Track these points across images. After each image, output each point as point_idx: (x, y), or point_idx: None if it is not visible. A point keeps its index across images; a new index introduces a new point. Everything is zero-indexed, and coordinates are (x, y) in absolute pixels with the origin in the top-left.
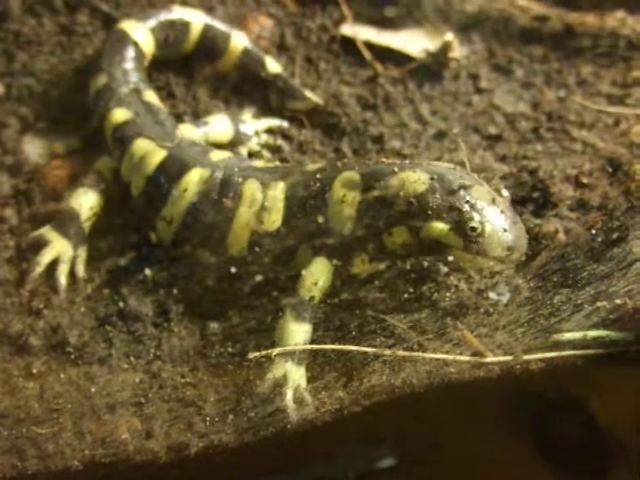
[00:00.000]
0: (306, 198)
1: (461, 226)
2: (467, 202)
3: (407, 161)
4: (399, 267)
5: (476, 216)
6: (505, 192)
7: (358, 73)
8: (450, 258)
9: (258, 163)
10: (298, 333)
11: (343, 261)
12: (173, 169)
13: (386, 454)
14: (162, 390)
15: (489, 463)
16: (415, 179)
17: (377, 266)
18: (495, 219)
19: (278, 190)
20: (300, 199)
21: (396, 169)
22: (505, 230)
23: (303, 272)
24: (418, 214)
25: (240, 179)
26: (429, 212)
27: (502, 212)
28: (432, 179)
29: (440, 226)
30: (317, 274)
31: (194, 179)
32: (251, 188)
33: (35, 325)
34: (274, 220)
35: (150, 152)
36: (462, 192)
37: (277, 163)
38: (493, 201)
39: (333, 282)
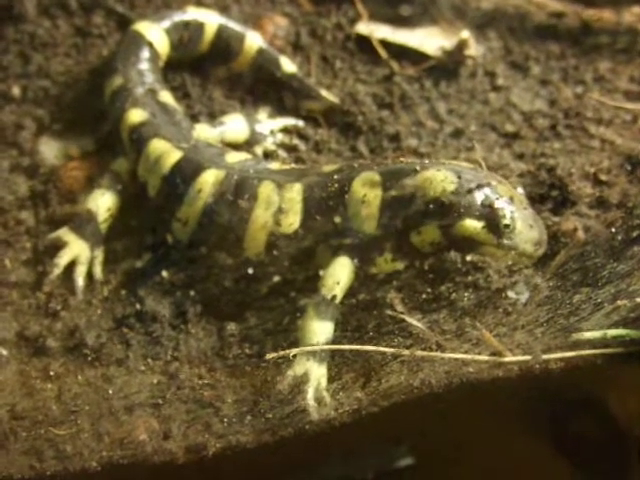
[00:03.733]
0: (324, 199)
1: (495, 223)
2: (497, 200)
3: (426, 160)
4: (417, 267)
5: (508, 213)
6: (520, 189)
7: (374, 72)
8: (475, 255)
9: (274, 165)
10: (320, 332)
11: (364, 260)
12: (188, 170)
13: (405, 454)
14: (180, 391)
15: (508, 462)
16: (442, 178)
17: (397, 265)
18: (523, 216)
19: (295, 192)
20: (318, 200)
21: (418, 168)
22: (531, 226)
23: (324, 272)
24: (449, 213)
25: (256, 181)
26: (461, 210)
27: (525, 209)
28: (459, 177)
29: (473, 224)
30: (339, 273)
31: (209, 180)
32: (267, 190)
33: (53, 327)
34: (292, 222)
35: (166, 152)
36: (489, 190)
37: (293, 165)
38: (516, 199)
39: (352, 282)
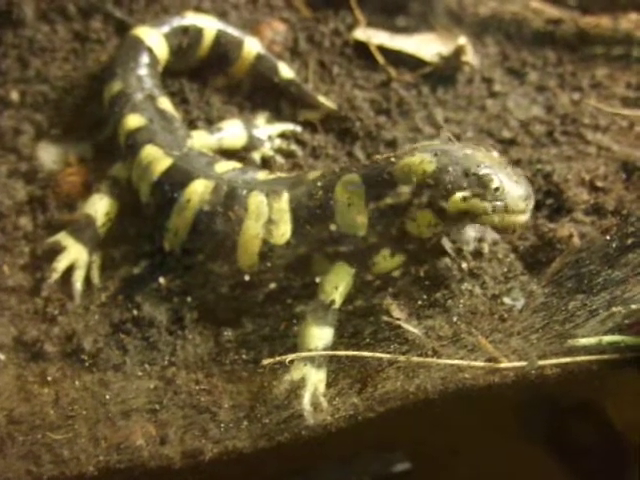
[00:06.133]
0: (312, 207)
1: (484, 190)
2: (479, 166)
3: (398, 151)
4: (413, 274)
5: (494, 176)
6: (496, 153)
7: (371, 77)
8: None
9: (260, 175)
10: (318, 337)
11: (364, 262)
12: (176, 178)
13: (401, 459)
14: (176, 396)
15: (504, 468)
16: (419, 161)
17: (399, 260)
18: (506, 175)
19: (283, 202)
20: (306, 209)
21: (394, 159)
22: (517, 182)
23: (322, 278)
24: (437, 192)
25: (245, 191)
26: (448, 186)
27: (506, 168)
28: (436, 154)
29: (462, 196)
30: (337, 279)
31: (198, 190)
32: (256, 201)
33: (50, 332)
34: (283, 233)
35: (156, 159)
36: (469, 159)
37: (279, 174)
38: (495, 161)
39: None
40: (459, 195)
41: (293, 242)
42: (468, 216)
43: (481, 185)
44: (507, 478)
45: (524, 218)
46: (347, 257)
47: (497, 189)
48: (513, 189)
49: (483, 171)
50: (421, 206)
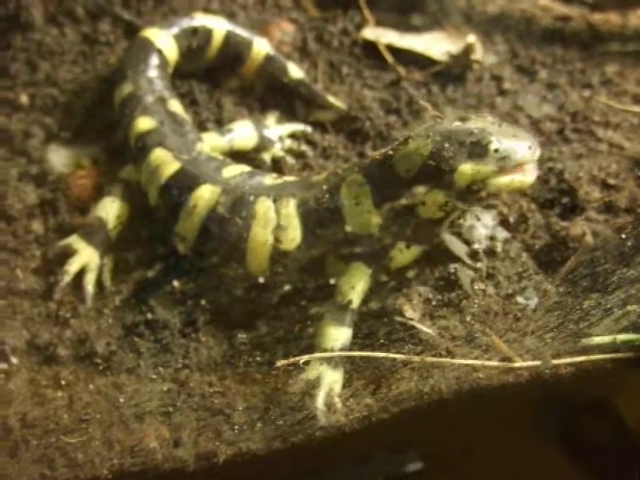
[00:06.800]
0: (320, 211)
1: (485, 154)
2: (472, 134)
3: (395, 142)
4: (426, 275)
5: (490, 138)
6: (490, 117)
7: (381, 77)
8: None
9: (268, 179)
10: (335, 337)
11: (380, 260)
12: (184, 183)
13: (414, 459)
14: (190, 399)
15: (518, 468)
16: (415, 147)
17: (415, 251)
18: (502, 132)
19: (290, 207)
20: (315, 213)
21: (390, 152)
22: (515, 136)
23: (340, 279)
24: (441, 170)
25: (252, 197)
26: (450, 162)
27: (500, 126)
28: (429, 136)
29: (468, 166)
30: (354, 280)
31: (204, 195)
32: (263, 207)
33: (63, 335)
34: (292, 238)
35: (165, 163)
36: (461, 130)
37: (286, 177)
38: (487, 122)
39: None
40: (463, 167)
41: (304, 247)
42: (478, 185)
43: (480, 151)
44: (520, 477)
45: (532, 170)
46: (362, 257)
47: (497, 150)
48: (513, 144)
49: (478, 137)
50: (429, 189)
